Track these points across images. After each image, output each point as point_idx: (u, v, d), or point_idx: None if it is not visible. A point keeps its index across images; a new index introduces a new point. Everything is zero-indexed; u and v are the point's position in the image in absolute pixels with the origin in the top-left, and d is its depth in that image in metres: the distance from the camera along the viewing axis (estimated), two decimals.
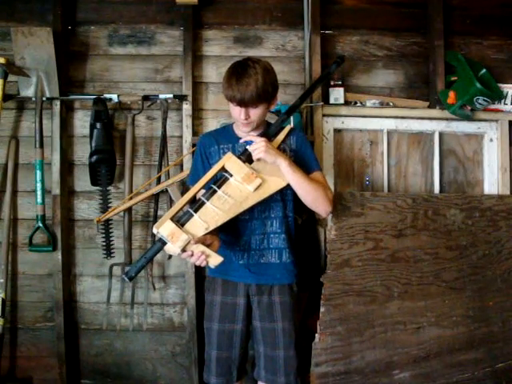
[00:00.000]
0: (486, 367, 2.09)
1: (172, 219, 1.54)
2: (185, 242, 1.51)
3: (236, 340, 1.77)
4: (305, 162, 1.73)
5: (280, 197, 1.73)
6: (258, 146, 1.60)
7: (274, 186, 1.63)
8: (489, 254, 2.18)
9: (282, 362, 1.74)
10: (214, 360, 1.78)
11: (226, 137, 1.79)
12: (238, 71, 1.64)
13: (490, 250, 2.19)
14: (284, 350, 1.74)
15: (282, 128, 1.74)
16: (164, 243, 1.53)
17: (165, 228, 1.52)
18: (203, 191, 1.61)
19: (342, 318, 1.99)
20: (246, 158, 1.64)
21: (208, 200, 1.58)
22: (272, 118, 1.97)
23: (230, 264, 1.75)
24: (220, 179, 1.61)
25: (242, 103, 1.63)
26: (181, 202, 1.60)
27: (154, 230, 1.53)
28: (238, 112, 1.67)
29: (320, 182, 1.71)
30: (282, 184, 1.64)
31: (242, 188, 1.60)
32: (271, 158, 1.60)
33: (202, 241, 1.54)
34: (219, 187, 1.60)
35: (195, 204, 1.59)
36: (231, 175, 1.61)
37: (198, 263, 1.53)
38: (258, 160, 1.62)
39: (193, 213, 1.56)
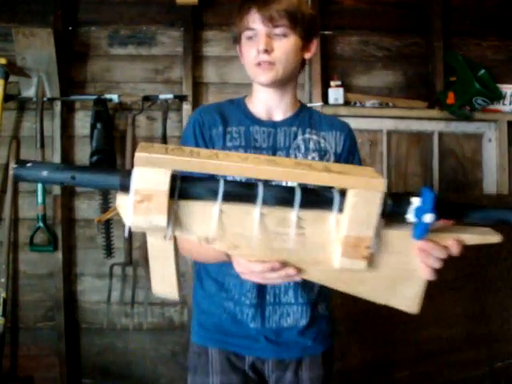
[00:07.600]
0: (485, 366, 2.10)
1: None
2: None
3: None
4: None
5: None
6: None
7: None
8: (488, 254, 2.19)
9: None
10: None
11: (235, 114, 1.15)
12: None
13: (489, 249, 2.19)
14: None
15: None
16: None
17: None
18: None
19: (342, 317, 2.00)
20: None
21: None
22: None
23: (233, 326, 1.12)
24: None
25: (266, 19, 1.04)
26: None
27: None
28: (255, 44, 1.06)
29: None
30: None
31: None
32: None
33: None
34: None
35: None
36: None
37: None
38: None
39: None
